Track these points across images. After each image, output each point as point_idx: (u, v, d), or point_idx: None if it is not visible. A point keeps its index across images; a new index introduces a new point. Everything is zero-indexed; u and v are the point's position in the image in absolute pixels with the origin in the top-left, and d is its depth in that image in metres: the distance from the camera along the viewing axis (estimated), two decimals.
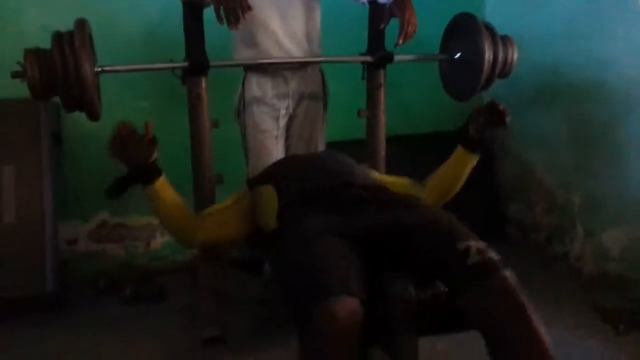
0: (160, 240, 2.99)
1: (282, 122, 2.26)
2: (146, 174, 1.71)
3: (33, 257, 2.36)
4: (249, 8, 1.73)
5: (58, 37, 1.66)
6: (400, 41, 1.99)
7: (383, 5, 2.11)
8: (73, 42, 1.63)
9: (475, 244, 1.28)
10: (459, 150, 1.86)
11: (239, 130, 2.26)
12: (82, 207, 2.84)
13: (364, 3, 2.20)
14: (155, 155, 1.72)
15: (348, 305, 1.16)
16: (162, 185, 1.74)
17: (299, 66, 2.21)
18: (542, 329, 1.18)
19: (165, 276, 2.83)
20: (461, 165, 1.86)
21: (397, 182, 1.88)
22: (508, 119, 1.77)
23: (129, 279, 2.71)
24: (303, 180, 1.68)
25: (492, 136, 1.83)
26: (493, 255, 1.26)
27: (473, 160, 1.86)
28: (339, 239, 1.34)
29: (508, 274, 1.22)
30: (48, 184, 2.44)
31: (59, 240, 2.55)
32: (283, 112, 2.24)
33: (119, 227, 2.92)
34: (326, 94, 2.34)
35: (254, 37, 2.12)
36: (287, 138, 2.32)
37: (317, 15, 2.22)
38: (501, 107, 1.77)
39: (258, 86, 2.19)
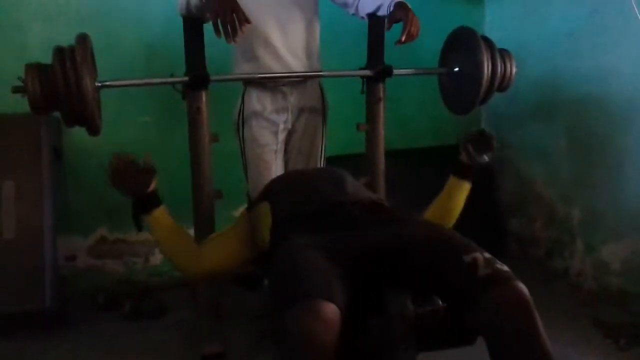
0: (159, 256, 2.98)
1: (281, 136, 2.26)
2: (144, 204, 1.73)
3: (32, 272, 2.35)
4: (247, 21, 1.74)
5: (59, 51, 1.67)
6: (403, 38, 1.98)
7: (382, 18, 2.12)
8: (74, 57, 1.63)
9: (482, 255, 1.27)
10: (452, 179, 1.91)
11: (238, 144, 2.27)
12: (81, 222, 2.84)
13: (362, 17, 2.22)
14: (153, 185, 1.74)
15: (324, 310, 1.14)
16: (162, 214, 1.75)
17: (298, 81, 2.22)
18: (548, 344, 1.17)
19: (165, 292, 2.83)
20: (457, 193, 1.90)
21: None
22: (495, 144, 1.87)
23: (128, 294, 2.70)
24: (296, 200, 1.68)
25: (482, 162, 1.89)
26: (502, 266, 1.26)
27: (468, 187, 1.90)
28: (326, 255, 1.33)
29: (520, 284, 1.22)
30: (48, 200, 2.44)
31: (58, 255, 2.54)
32: (282, 126, 2.25)
33: (118, 243, 2.92)
34: (325, 108, 2.34)
35: (253, 51, 2.12)
36: (286, 152, 2.33)
37: (317, 30, 2.23)
38: (488, 133, 1.87)
39: (257, 100, 2.19)
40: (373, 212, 1.59)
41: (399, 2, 2.05)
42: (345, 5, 2.24)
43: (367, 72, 2.18)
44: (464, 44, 2.12)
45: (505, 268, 1.25)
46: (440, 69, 2.26)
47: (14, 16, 2.63)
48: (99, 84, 1.78)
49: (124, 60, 2.66)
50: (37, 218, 2.40)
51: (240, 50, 2.13)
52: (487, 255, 1.28)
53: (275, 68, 2.14)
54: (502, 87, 2.13)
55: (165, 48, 2.68)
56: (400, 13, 2.01)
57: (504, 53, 2.10)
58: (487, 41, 2.06)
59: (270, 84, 2.17)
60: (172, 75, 2.00)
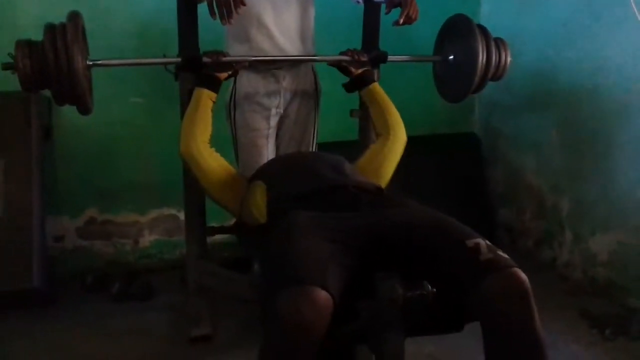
0: (148, 238, 2.98)
1: (273, 121, 2.25)
2: (209, 80, 1.92)
3: (20, 252, 2.34)
4: (242, 3, 1.72)
5: (50, 29, 1.65)
6: (401, 20, 1.97)
7: (378, 4, 2.11)
8: (65, 34, 1.61)
9: (484, 241, 1.28)
10: (364, 92, 2.11)
11: (230, 128, 2.25)
12: (70, 202, 2.83)
13: (358, 2, 2.20)
14: (225, 75, 1.96)
15: (317, 297, 1.13)
16: (208, 97, 1.91)
17: (291, 64, 2.20)
18: (542, 333, 1.19)
19: (154, 274, 2.82)
20: (378, 96, 2.08)
21: (372, 153, 1.98)
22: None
23: (116, 276, 2.69)
24: (296, 179, 1.67)
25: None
26: (503, 253, 1.27)
27: (377, 86, 2.12)
28: (325, 234, 1.33)
29: (521, 272, 1.22)
30: (37, 179, 2.42)
31: (46, 236, 2.52)
32: (274, 111, 2.23)
33: (107, 224, 2.91)
34: (318, 93, 2.33)
35: (246, 32, 2.10)
36: (277, 137, 2.31)
37: (311, 14, 2.21)
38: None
39: (249, 83, 2.18)
40: (374, 194, 1.59)
41: None
42: None
43: (362, 58, 2.17)
44: (459, 32, 2.11)
45: (507, 256, 1.26)
46: (435, 57, 2.26)
47: None
48: (90, 63, 1.76)
49: (116, 40, 2.63)
50: (26, 197, 2.38)
51: (232, 31, 2.10)
52: (488, 242, 1.28)
53: (268, 50, 2.12)
54: (497, 76, 2.13)
55: (158, 28, 2.65)
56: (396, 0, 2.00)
57: (499, 42, 2.10)
58: (483, 30, 2.06)
59: (262, 66, 2.15)
60: (164, 56, 1.98)
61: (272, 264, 1.33)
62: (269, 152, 2.24)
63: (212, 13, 1.72)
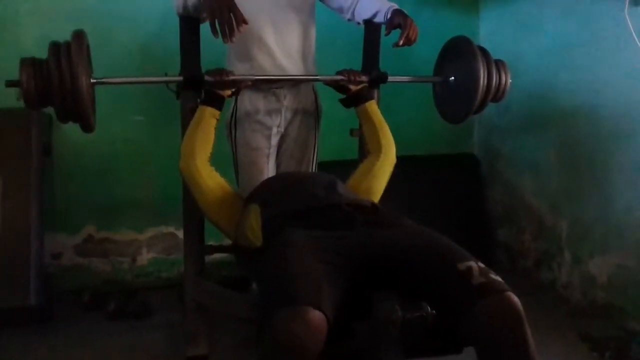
0: (146, 256, 2.97)
1: (274, 140, 2.25)
2: (213, 97, 1.92)
3: (17, 269, 2.32)
4: (244, 21, 1.73)
5: (55, 47, 1.66)
6: (401, 42, 2.00)
7: (379, 25, 2.12)
8: (70, 53, 1.62)
9: (476, 264, 1.27)
10: (359, 109, 2.12)
11: (230, 147, 2.26)
12: (69, 219, 2.82)
13: (359, 23, 2.22)
14: (229, 93, 1.97)
15: (311, 317, 1.13)
16: (211, 115, 1.90)
17: (292, 83, 2.21)
18: (537, 357, 1.18)
19: (151, 292, 2.81)
20: (372, 114, 2.10)
21: (362, 171, 1.99)
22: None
23: (113, 294, 2.68)
24: (289, 199, 1.68)
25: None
26: (496, 277, 1.26)
27: (374, 103, 2.14)
28: (319, 254, 1.33)
29: (513, 296, 1.22)
30: (36, 196, 2.42)
31: (44, 253, 2.51)
32: (275, 130, 2.23)
33: (105, 242, 2.90)
34: (319, 112, 2.34)
35: (248, 51, 2.11)
36: (278, 156, 2.32)
37: (312, 33, 2.23)
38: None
39: (250, 102, 2.18)
40: (368, 213, 1.59)
41: (397, 9, 2.06)
42: (341, 10, 2.23)
43: (363, 78, 2.18)
44: (460, 53, 2.12)
45: (499, 279, 1.25)
46: (435, 78, 2.27)
47: (9, 11, 2.62)
48: (94, 81, 1.76)
49: (119, 58, 2.65)
50: (24, 215, 2.38)
51: (234, 50, 2.12)
52: (481, 265, 1.28)
53: (269, 69, 2.12)
54: (497, 98, 2.14)
55: (160, 47, 2.67)
56: (398, 19, 2.02)
57: (500, 64, 2.11)
58: (484, 51, 2.07)
59: (264, 85, 2.16)
60: (166, 75, 1.99)
61: (267, 284, 1.33)
62: (269, 171, 2.24)
63: (214, 32, 1.73)
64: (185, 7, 1.89)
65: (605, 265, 2.58)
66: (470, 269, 1.25)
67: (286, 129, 2.26)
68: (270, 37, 2.11)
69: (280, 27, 2.12)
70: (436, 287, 1.29)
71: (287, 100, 2.21)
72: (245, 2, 1.90)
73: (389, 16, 2.06)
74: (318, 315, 1.13)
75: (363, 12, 2.16)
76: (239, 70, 2.10)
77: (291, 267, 1.28)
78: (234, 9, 1.72)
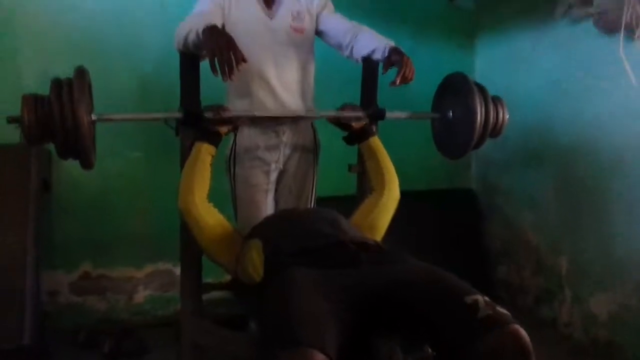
0: (143, 293, 2.94)
1: (273, 176, 2.25)
2: (209, 134, 1.91)
3: (12, 308, 2.28)
4: (244, 60, 1.74)
5: (57, 84, 1.66)
6: (398, 81, 2.00)
7: (376, 61, 2.15)
8: (72, 90, 1.63)
9: (482, 298, 1.26)
10: (363, 146, 2.11)
11: (229, 183, 2.25)
12: (66, 256, 2.80)
13: (357, 60, 2.24)
14: (226, 130, 1.96)
15: (314, 359, 1.11)
16: (207, 152, 1.89)
17: (291, 120, 2.22)
18: None
19: (147, 331, 2.77)
20: (376, 150, 2.09)
21: (366, 208, 1.97)
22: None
23: (109, 333, 2.63)
24: (292, 236, 1.66)
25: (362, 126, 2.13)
26: (502, 310, 1.25)
27: (377, 139, 2.12)
28: (323, 292, 1.31)
29: (521, 328, 1.20)
30: (34, 233, 2.39)
31: (40, 291, 2.48)
32: (274, 166, 2.24)
33: (101, 279, 2.87)
34: (317, 148, 2.35)
35: (248, 87, 2.12)
36: (276, 191, 2.31)
37: (312, 69, 2.25)
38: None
39: (249, 138, 2.19)
40: (372, 251, 1.58)
41: (394, 47, 2.08)
42: (340, 47, 2.26)
43: (360, 114, 2.19)
44: (457, 90, 2.14)
45: (506, 312, 1.24)
46: (433, 114, 2.28)
47: (10, 46, 2.65)
48: (95, 118, 1.77)
49: (118, 94, 2.67)
50: (21, 252, 2.35)
51: (233, 86, 2.12)
52: (487, 299, 1.27)
53: (269, 105, 2.14)
54: (494, 134, 2.15)
55: (159, 83, 2.70)
56: (395, 57, 2.04)
57: (497, 100, 2.13)
58: (480, 88, 2.09)
59: (262, 121, 2.17)
60: (166, 111, 2.00)
61: (269, 323, 1.31)
62: (267, 208, 2.23)
63: (213, 70, 1.73)
64: (185, 44, 1.90)
65: (606, 302, 2.56)
66: (476, 302, 1.24)
67: (285, 164, 2.27)
68: (270, 73, 2.13)
69: (280, 63, 2.14)
70: (442, 321, 1.27)
71: (286, 136, 2.22)
72: (245, 38, 1.95)
73: (386, 54, 2.07)
74: (322, 358, 1.12)
75: (361, 50, 2.18)
76: (239, 106, 2.12)
77: (294, 305, 1.26)
78: (233, 47, 1.72)
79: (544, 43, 2.86)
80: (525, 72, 3.00)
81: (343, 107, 2.14)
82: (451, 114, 2.17)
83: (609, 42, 2.41)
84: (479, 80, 2.21)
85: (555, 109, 2.80)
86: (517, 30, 3.08)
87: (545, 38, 2.86)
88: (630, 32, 2.29)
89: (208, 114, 1.94)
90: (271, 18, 2.14)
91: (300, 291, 1.31)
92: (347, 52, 2.24)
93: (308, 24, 2.20)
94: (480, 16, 3.44)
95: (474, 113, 2.03)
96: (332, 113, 2.16)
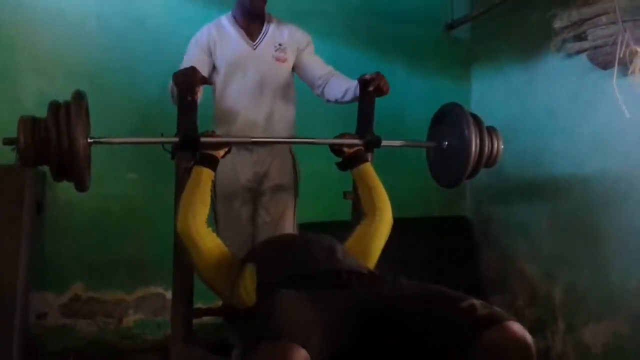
0: (132, 317, 2.91)
1: (253, 200, 2.31)
2: (207, 159, 1.93)
3: (1, 331, 2.25)
4: (204, 80, 1.92)
5: (55, 106, 1.67)
6: (372, 88, 2.07)
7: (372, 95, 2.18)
8: (69, 113, 1.63)
9: (478, 301, 1.26)
10: (355, 171, 2.09)
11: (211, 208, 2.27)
12: (56, 278, 2.78)
13: (328, 100, 2.33)
14: (222, 153, 1.98)
15: (294, 353, 1.08)
16: (207, 176, 1.90)
17: (271, 147, 2.29)
18: None
19: (136, 355, 2.74)
20: (369, 176, 2.08)
21: (359, 233, 1.96)
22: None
23: (98, 356, 2.60)
24: (288, 263, 1.66)
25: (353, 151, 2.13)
26: (499, 309, 1.24)
27: (369, 165, 2.10)
28: (316, 315, 1.29)
29: (519, 325, 1.19)
30: (25, 256, 2.37)
31: (29, 313, 2.45)
32: (254, 191, 2.30)
33: (91, 302, 2.84)
34: (297, 177, 2.39)
35: (231, 113, 2.23)
36: (257, 215, 2.35)
37: (293, 98, 2.35)
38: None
39: (231, 163, 2.22)
40: (367, 279, 1.57)
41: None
42: (312, 85, 2.36)
43: (357, 142, 2.20)
44: (452, 119, 2.16)
45: (503, 311, 1.24)
46: (428, 143, 2.30)
47: (8, 69, 2.66)
48: (91, 140, 1.77)
49: (116, 117, 2.67)
50: (12, 273, 2.32)
51: (218, 113, 2.26)
52: (482, 302, 1.27)
53: (251, 131, 2.22)
54: (489, 164, 2.16)
55: (157, 107, 2.71)
56: (368, 75, 2.09)
57: (491, 130, 2.14)
58: (475, 118, 2.11)
59: (243, 149, 2.24)
60: (162, 135, 2.00)
61: (253, 333, 1.27)
62: (248, 232, 2.30)
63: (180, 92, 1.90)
64: (173, 96, 2.05)
65: (600, 333, 2.55)
66: (473, 304, 1.24)
67: (264, 189, 2.31)
68: (253, 101, 2.24)
69: (263, 90, 2.26)
70: (440, 327, 1.26)
71: (266, 163, 2.30)
72: (230, 69, 2.18)
73: (358, 91, 2.15)
74: (303, 354, 1.08)
75: (333, 93, 2.28)
76: (223, 132, 2.21)
77: (279, 313, 1.24)
78: (193, 70, 1.91)
79: (539, 75, 2.90)
80: (520, 103, 3.03)
81: (340, 136, 2.17)
82: (446, 143, 2.18)
83: (603, 76, 2.44)
84: (474, 111, 2.23)
85: (549, 140, 2.82)
86: (513, 61, 3.12)
87: (540, 70, 2.89)
88: (623, 67, 2.32)
89: (205, 139, 1.95)
90: (254, 48, 2.27)
91: (288, 304, 1.30)
92: (318, 92, 2.35)
93: (290, 56, 2.33)
94: (475, 47, 3.48)
95: (469, 143, 2.04)
96: (328, 140, 2.17)
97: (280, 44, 2.30)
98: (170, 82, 2.03)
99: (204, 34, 2.26)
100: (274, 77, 2.28)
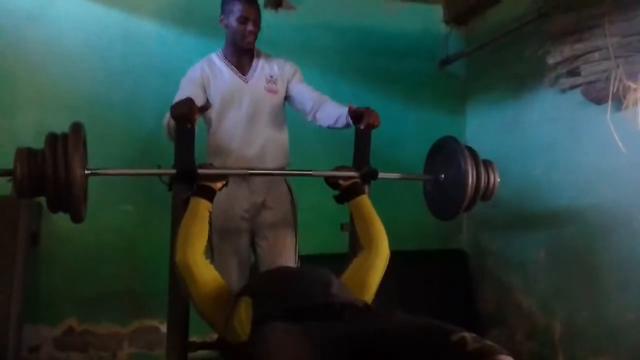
0: (127, 350, 2.87)
1: (249, 227, 2.31)
2: (204, 190, 1.94)
3: None
4: (205, 107, 1.96)
5: (52, 138, 1.68)
6: (363, 126, 2.11)
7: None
8: (67, 144, 1.64)
9: (469, 334, 1.24)
10: (352, 204, 2.09)
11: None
12: (50, 310, 2.75)
13: (321, 126, 2.35)
14: (220, 185, 1.98)
15: None
16: (204, 208, 1.90)
17: (265, 178, 2.31)
18: None
19: None
20: (365, 208, 2.08)
21: (355, 267, 1.94)
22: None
23: None
24: (283, 296, 1.64)
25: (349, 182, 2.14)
26: (491, 343, 1.23)
27: (366, 197, 2.10)
28: (308, 345, 1.29)
29: (510, 357, 1.18)
30: (19, 288, 2.36)
31: (22, 346, 2.41)
32: (248, 217, 2.30)
33: (86, 334, 2.81)
34: (294, 202, 2.39)
35: (225, 145, 2.26)
36: (257, 246, 2.35)
37: (285, 129, 2.39)
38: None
39: (227, 195, 2.22)
40: (361, 313, 1.56)
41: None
42: (304, 112, 2.39)
43: (354, 174, 2.21)
44: (448, 152, 2.17)
45: (495, 344, 1.22)
46: (425, 176, 2.31)
47: (7, 102, 2.68)
48: (88, 172, 1.77)
49: (112, 149, 2.69)
50: (5, 306, 2.30)
51: (212, 145, 2.28)
52: (474, 335, 1.25)
53: (245, 163, 2.24)
54: (486, 197, 2.16)
55: (153, 139, 2.72)
56: (358, 110, 2.12)
57: (488, 164, 2.16)
58: (471, 151, 2.12)
59: (239, 180, 2.26)
60: (159, 167, 2.01)
61: None
62: (243, 264, 2.29)
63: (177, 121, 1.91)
64: (169, 132, 2.07)
65: None
66: (463, 338, 1.23)
67: (261, 219, 2.32)
68: (246, 132, 2.27)
69: (256, 122, 2.29)
70: None
71: (261, 193, 2.30)
72: (223, 102, 2.23)
73: (349, 119, 2.18)
74: None
75: (325, 119, 2.32)
76: (217, 164, 2.20)
77: (272, 347, 1.24)
78: (190, 100, 1.93)
79: (533, 110, 2.93)
80: (515, 137, 3.06)
81: (337, 169, 2.18)
82: (443, 176, 2.20)
83: (597, 110, 2.46)
84: (469, 144, 2.25)
85: (545, 173, 2.84)
86: (507, 96, 3.15)
87: (534, 105, 2.92)
88: (617, 102, 2.35)
89: (202, 171, 1.96)
90: (246, 82, 2.32)
91: (281, 338, 1.29)
92: (310, 118, 2.38)
93: (280, 87, 2.38)
94: (470, 82, 3.53)
95: (466, 175, 2.05)
96: (325, 172, 2.18)
97: (271, 76, 2.36)
98: (166, 117, 2.07)
99: (197, 71, 2.31)
100: (266, 108, 2.33)
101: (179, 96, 2.19)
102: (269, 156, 2.31)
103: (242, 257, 2.30)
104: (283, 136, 2.39)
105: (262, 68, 2.36)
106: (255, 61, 2.36)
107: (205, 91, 2.28)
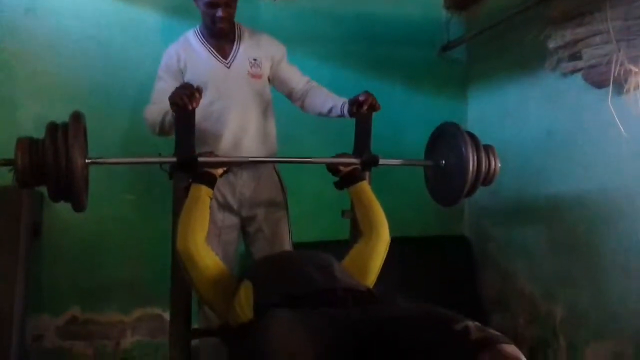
0: (130, 339, 2.89)
1: (240, 218, 2.31)
2: (204, 177, 1.95)
3: None
4: (199, 90, 1.88)
5: (52, 127, 1.68)
6: (365, 107, 2.09)
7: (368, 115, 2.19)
8: (67, 133, 1.64)
9: (473, 323, 1.25)
10: (352, 189, 2.10)
11: None
12: (53, 300, 2.76)
13: (309, 112, 2.33)
14: (220, 172, 2.01)
15: None
16: (205, 194, 1.92)
17: (254, 166, 2.28)
18: None
19: None
20: (365, 194, 2.08)
21: (356, 252, 1.95)
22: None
23: None
24: (284, 281, 1.64)
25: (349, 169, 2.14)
26: (494, 331, 1.23)
27: (366, 183, 2.12)
28: (311, 334, 1.28)
29: (514, 347, 1.18)
30: (22, 278, 2.36)
31: (25, 335, 2.43)
32: (241, 208, 2.29)
33: (89, 323, 2.82)
34: (284, 189, 2.39)
35: (211, 133, 2.20)
36: (248, 237, 2.36)
37: (271, 115, 2.34)
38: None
39: (216, 188, 2.21)
40: (364, 298, 1.57)
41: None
42: (290, 96, 2.35)
43: (354, 161, 2.21)
44: (449, 138, 2.17)
45: (499, 333, 1.23)
46: (426, 161, 2.31)
47: (7, 93, 2.67)
48: (89, 161, 1.77)
49: (113, 137, 2.69)
50: (9, 296, 2.31)
51: (198, 134, 2.17)
52: (477, 323, 1.25)
53: (231, 151, 2.21)
54: (487, 182, 2.17)
55: None
56: (360, 97, 2.11)
57: (488, 148, 2.16)
58: (472, 137, 2.12)
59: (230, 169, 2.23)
60: (159, 155, 2.01)
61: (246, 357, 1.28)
62: (231, 255, 2.30)
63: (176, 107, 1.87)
64: (162, 127, 2.07)
65: (601, 352, 2.52)
66: (467, 327, 1.23)
67: (254, 210, 2.31)
68: (231, 120, 2.21)
69: (240, 109, 2.23)
70: (434, 349, 1.25)
71: (250, 183, 2.28)
72: (204, 89, 2.05)
73: (345, 108, 2.17)
74: None
75: (315, 107, 2.30)
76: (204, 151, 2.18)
77: (273, 334, 1.24)
78: (189, 84, 1.90)
79: (535, 94, 2.92)
80: (516, 122, 3.05)
81: (338, 156, 2.17)
82: (444, 161, 2.20)
83: (598, 94, 2.45)
84: (470, 130, 2.24)
85: (546, 159, 2.83)
86: (508, 81, 3.14)
87: (535, 90, 2.91)
88: (618, 86, 2.34)
89: (202, 159, 1.96)
90: (228, 66, 2.22)
91: (282, 325, 1.29)
92: (298, 104, 2.36)
93: (266, 70, 2.29)
94: (471, 68, 3.51)
95: (467, 161, 2.05)
96: (325, 159, 2.18)
97: (255, 59, 2.25)
98: (146, 110, 2.06)
99: (172, 58, 2.20)
100: (251, 94, 2.25)
101: (158, 89, 2.17)
102: (257, 143, 2.27)
103: (231, 249, 2.30)
104: (270, 122, 2.34)
105: (244, 50, 2.25)
106: (237, 42, 2.24)
107: (183, 79, 2.17)
